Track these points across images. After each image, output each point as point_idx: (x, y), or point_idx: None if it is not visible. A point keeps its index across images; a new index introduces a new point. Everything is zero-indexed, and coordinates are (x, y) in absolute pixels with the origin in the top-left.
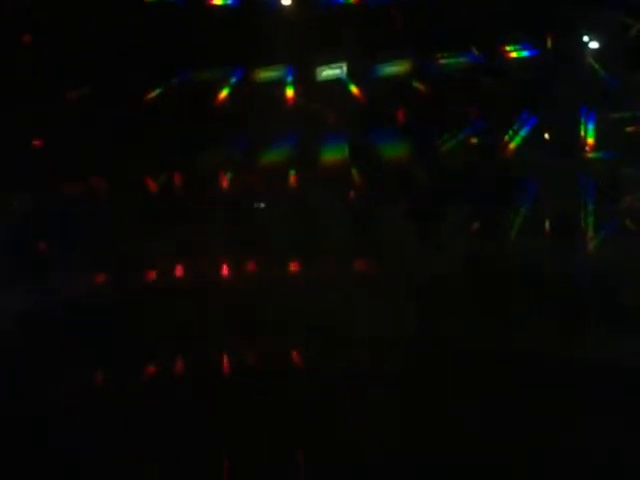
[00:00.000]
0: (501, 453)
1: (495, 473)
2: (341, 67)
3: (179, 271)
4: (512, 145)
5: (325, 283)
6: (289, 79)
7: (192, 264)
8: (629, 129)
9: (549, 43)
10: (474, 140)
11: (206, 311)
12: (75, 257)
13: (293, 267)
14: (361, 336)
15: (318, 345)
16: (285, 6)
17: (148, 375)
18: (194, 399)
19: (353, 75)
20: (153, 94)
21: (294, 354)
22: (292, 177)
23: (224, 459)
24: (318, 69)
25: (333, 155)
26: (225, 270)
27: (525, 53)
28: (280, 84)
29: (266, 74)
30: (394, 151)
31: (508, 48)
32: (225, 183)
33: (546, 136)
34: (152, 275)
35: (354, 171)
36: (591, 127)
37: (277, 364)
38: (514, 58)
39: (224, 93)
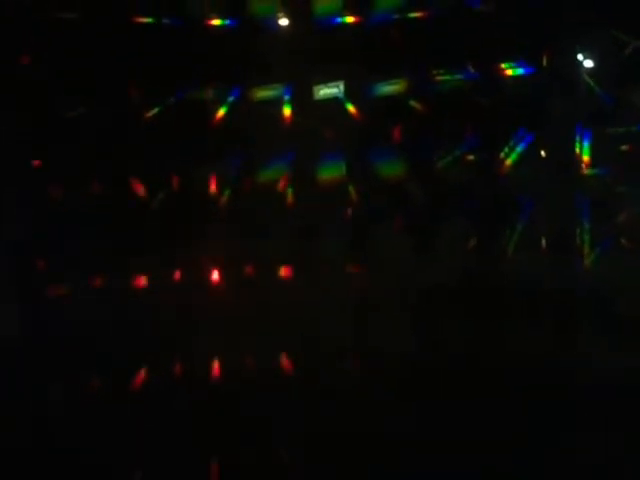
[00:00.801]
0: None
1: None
2: (338, 86)
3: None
4: (508, 162)
5: (320, 296)
6: (286, 98)
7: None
8: (625, 146)
9: (544, 60)
10: (470, 157)
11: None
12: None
13: (290, 280)
14: (356, 348)
15: (313, 356)
16: (282, 25)
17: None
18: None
19: (350, 93)
20: (150, 113)
21: (287, 364)
22: (289, 194)
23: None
24: (315, 88)
25: (330, 173)
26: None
27: (520, 70)
28: (277, 103)
29: (263, 93)
30: (391, 169)
31: (504, 65)
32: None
33: (542, 153)
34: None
35: (351, 188)
36: (587, 144)
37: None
38: (509, 75)
39: (221, 112)
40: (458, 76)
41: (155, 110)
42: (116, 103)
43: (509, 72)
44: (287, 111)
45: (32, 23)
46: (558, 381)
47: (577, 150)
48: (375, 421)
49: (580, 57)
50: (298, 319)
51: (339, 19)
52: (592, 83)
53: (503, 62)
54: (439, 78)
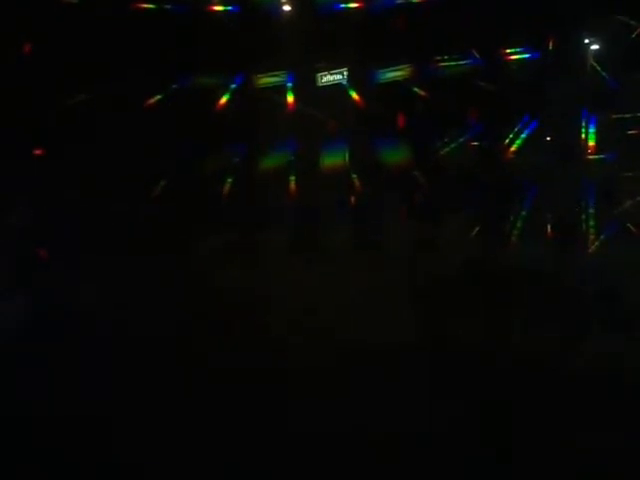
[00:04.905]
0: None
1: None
2: (342, 72)
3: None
4: (513, 148)
5: (326, 285)
6: (290, 85)
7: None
8: (630, 131)
9: (550, 45)
10: (475, 143)
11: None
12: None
13: (294, 269)
14: (362, 338)
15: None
16: (286, 12)
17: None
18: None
19: (354, 80)
20: (154, 100)
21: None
22: (292, 181)
23: None
24: (319, 74)
25: (334, 159)
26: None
27: (525, 56)
28: (281, 90)
29: (267, 80)
30: (395, 155)
31: (508, 51)
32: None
33: (547, 139)
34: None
35: (354, 176)
36: (592, 130)
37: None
38: (514, 61)
39: (224, 99)
40: (462, 62)
41: (158, 97)
42: (118, 90)
43: (514, 57)
44: (291, 98)
45: (33, 9)
46: (560, 367)
47: (582, 136)
48: None
49: (585, 42)
50: (301, 307)
51: (342, 5)
52: (598, 68)
53: (508, 47)
54: (443, 64)
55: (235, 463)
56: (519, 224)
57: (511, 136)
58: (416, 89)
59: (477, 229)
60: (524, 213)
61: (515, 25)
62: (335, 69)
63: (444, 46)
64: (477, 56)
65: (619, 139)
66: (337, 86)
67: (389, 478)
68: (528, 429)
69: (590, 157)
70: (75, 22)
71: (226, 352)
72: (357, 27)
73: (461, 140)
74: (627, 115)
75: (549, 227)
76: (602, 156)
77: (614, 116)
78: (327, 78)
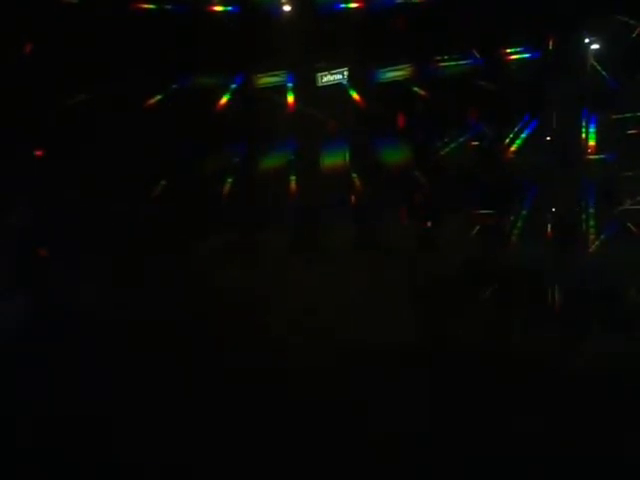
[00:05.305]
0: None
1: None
2: (342, 72)
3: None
4: (512, 148)
5: (326, 285)
6: (290, 85)
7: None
8: (630, 131)
9: (550, 45)
10: (474, 143)
11: None
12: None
13: (294, 269)
14: (362, 338)
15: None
16: (286, 12)
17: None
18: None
19: (354, 80)
20: (154, 100)
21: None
22: (292, 181)
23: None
24: (319, 74)
25: (334, 160)
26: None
27: (525, 55)
28: (281, 90)
29: (267, 80)
30: (395, 155)
31: (508, 51)
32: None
33: (547, 139)
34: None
35: (355, 175)
36: (592, 130)
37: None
38: (514, 60)
39: (224, 99)
40: (462, 62)
41: (158, 97)
42: (118, 90)
43: (514, 57)
44: (291, 98)
45: (33, 9)
46: (561, 366)
47: (582, 136)
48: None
49: (586, 41)
50: (301, 307)
51: (342, 5)
52: (598, 68)
53: (508, 47)
54: (443, 64)
55: (235, 463)
56: (519, 224)
57: (511, 136)
58: (416, 89)
59: (477, 229)
60: (524, 213)
61: (515, 25)
62: (335, 69)
63: (444, 46)
64: (477, 56)
65: (619, 139)
66: (337, 86)
67: (389, 478)
68: (527, 429)
69: (590, 157)
70: (75, 22)
71: (226, 352)
72: (357, 27)
73: (461, 140)
74: (627, 115)
75: (549, 227)
76: (602, 156)
77: (614, 116)
78: (327, 78)
